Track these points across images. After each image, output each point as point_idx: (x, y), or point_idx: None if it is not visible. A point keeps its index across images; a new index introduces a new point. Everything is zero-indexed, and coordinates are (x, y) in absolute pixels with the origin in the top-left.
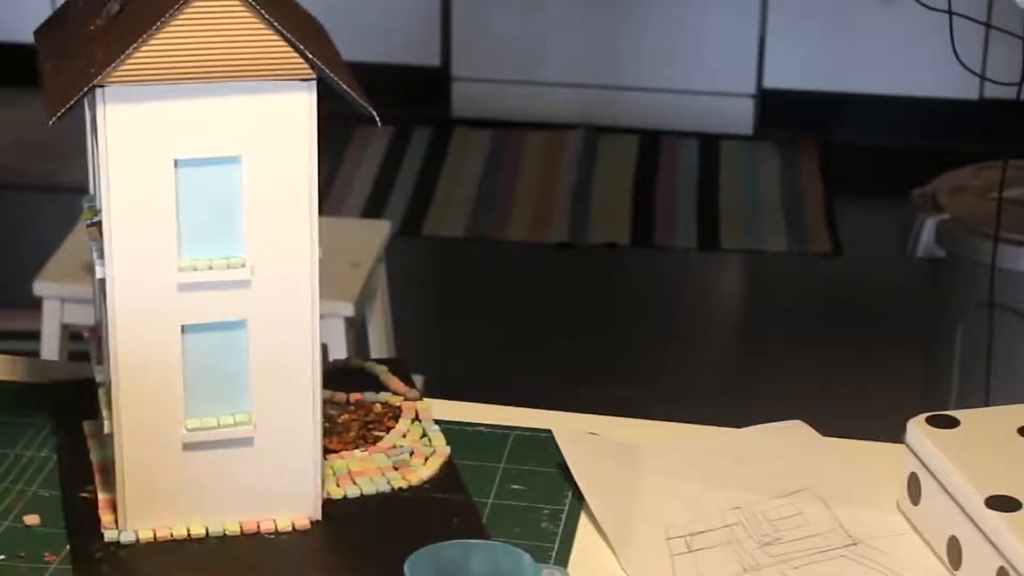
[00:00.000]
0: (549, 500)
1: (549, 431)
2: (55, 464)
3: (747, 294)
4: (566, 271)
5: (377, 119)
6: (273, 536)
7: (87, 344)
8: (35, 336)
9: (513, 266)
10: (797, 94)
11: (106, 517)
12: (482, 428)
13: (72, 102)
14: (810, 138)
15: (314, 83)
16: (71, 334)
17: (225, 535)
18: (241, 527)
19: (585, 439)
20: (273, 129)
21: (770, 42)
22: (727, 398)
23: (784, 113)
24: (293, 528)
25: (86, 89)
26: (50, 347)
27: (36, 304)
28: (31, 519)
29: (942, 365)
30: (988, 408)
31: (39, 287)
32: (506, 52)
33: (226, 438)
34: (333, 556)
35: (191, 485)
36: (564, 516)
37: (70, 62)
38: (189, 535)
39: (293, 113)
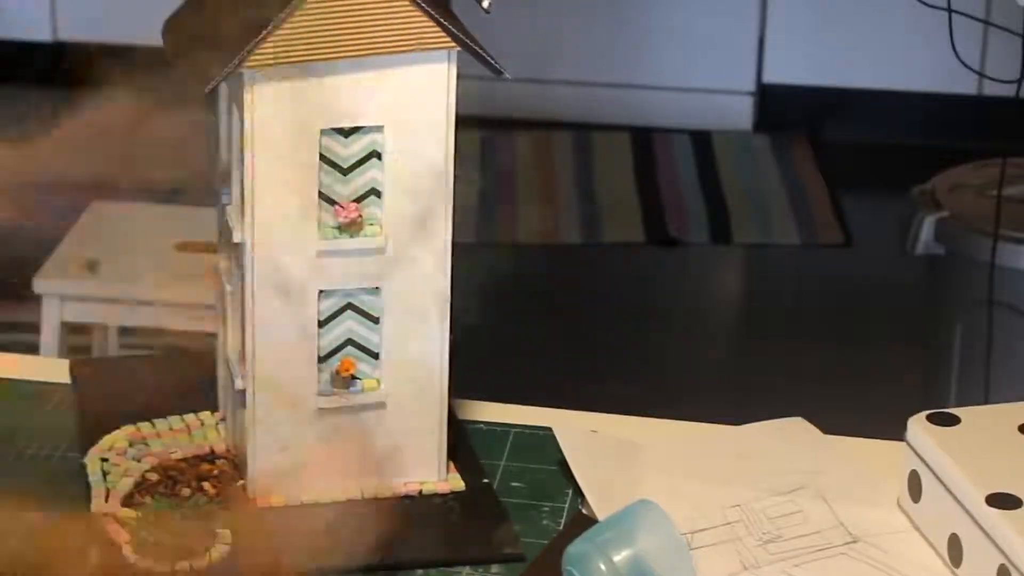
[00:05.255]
0: (549, 498)
1: (549, 429)
2: (55, 462)
3: (753, 290)
4: (582, 271)
5: (509, 76)
6: (408, 500)
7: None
8: (33, 328)
9: (527, 268)
10: (796, 91)
11: None
12: (482, 425)
13: (208, 89)
14: (805, 134)
15: (454, 52)
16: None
17: (350, 500)
18: (362, 493)
19: (585, 437)
20: (415, 99)
21: (769, 39)
22: (727, 395)
23: (782, 110)
24: (420, 493)
25: (225, 73)
26: (49, 345)
27: (35, 299)
28: None
29: (942, 363)
30: (988, 406)
31: (39, 285)
32: (496, 48)
33: (359, 403)
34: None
35: (323, 449)
36: (565, 514)
37: (203, 49)
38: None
39: (434, 82)
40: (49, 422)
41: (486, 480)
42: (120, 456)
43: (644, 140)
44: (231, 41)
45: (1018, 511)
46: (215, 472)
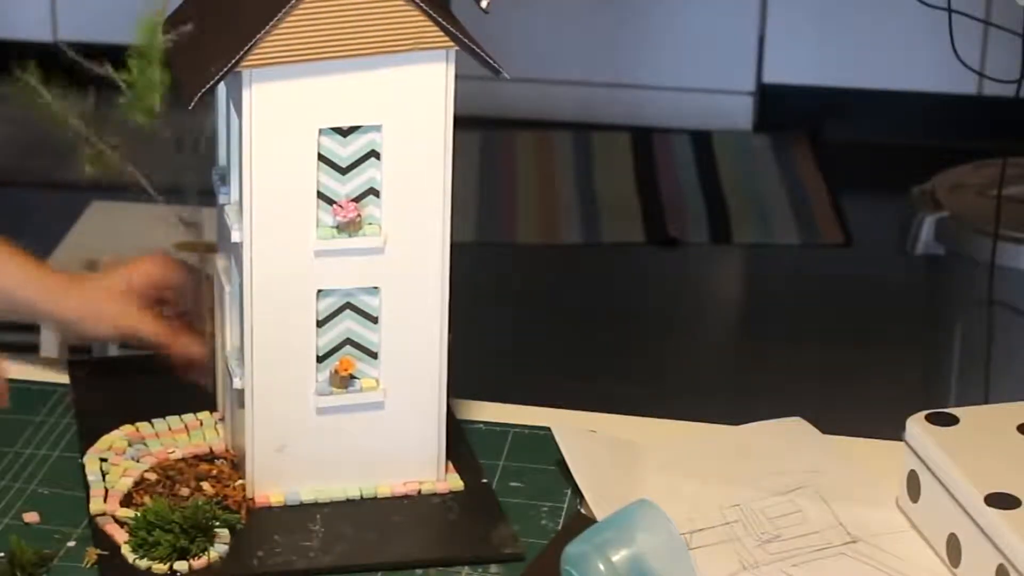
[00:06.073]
0: (548, 497)
1: (548, 429)
2: (54, 462)
3: (753, 290)
4: (581, 271)
5: (508, 77)
6: (406, 500)
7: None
8: (34, 329)
9: (527, 268)
10: (796, 91)
11: None
12: (481, 425)
13: (207, 87)
14: (805, 134)
15: (452, 52)
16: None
17: (349, 499)
18: (361, 492)
19: (584, 436)
20: (413, 98)
21: (769, 39)
22: (727, 395)
23: (782, 110)
24: (419, 493)
25: (224, 72)
26: (49, 345)
27: None
28: (30, 517)
29: (941, 363)
30: (987, 406)
31: None
32: (496, 48)
33: (357, 403)
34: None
35: (321, 448)
36: (563, 513)
37: (203, 48)
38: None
39: (432, 81)
40: (48, 422)
41: (485, 480)
42: (119, 456)
43: (644, 140)
44: (230, 41)
45: (1017, 511)
46: (214, 472)
